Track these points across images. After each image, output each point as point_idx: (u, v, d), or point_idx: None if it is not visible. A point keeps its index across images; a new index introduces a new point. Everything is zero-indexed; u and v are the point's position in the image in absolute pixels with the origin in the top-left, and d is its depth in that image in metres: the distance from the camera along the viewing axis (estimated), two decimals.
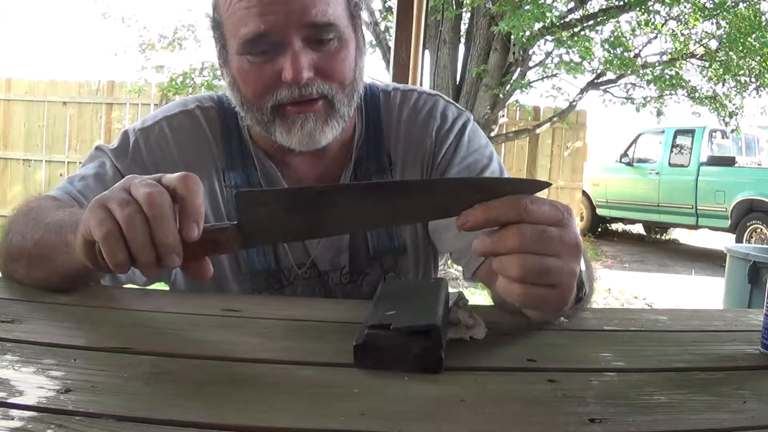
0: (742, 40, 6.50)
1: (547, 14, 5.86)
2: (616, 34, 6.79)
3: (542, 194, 0.63)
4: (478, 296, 4.38)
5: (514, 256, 0.59)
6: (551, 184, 0.65)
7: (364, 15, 0.99)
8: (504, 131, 7.71)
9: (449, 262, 4.28)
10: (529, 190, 0.61)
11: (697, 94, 7.45)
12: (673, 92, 7.46)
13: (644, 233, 10.36)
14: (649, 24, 6.88)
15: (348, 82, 0.93)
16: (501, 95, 6.59)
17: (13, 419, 0.44)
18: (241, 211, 0.64)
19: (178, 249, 0.62)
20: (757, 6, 6.71)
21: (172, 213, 0.62)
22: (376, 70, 10.00)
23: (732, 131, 7.94)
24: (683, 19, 7.06)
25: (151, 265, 0.62)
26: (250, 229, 0.64)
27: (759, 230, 7.50)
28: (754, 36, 6.49)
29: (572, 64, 6.45)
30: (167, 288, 1.04)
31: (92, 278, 0.85)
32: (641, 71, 7.11)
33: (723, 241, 6.70)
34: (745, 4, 6.72)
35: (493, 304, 0.90)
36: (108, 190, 0.66)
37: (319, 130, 0.91)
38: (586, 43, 6.40)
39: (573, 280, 0.62)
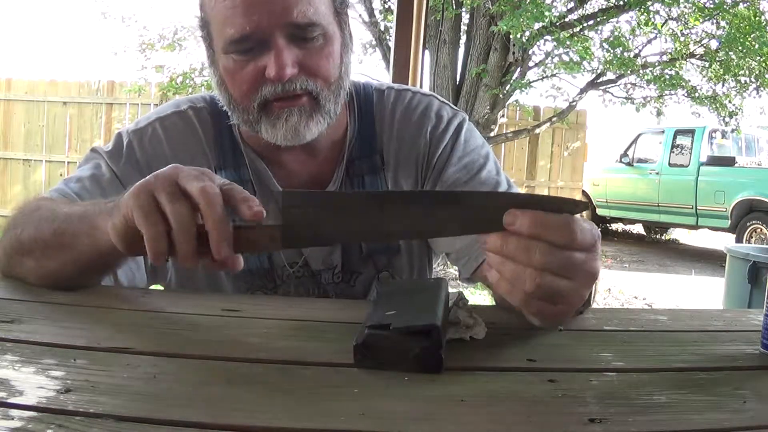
0: (741, 40, 6.50)
1: (546, 14, 5.87)
2: (615, 34, 6.79)
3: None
4: (478, 296, 4.38)
5: (530, 270, 0.57)
6: (582, 203, 0.64)
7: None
8: (504, 131, 7.72)
9: (448, 262, 4.27)
10: (565, 207, 0.59)
11: (697, 94, 7.45)
12: (673, 92, 7.46)
13: (644, 233, 10.36)
14: (649, 24, 6.88)
15: (333, 78, 0.93)
16: (501, 95, 6.59)
17: (13, 419, 0.44)
18: (285, 211, 0.63)
19: (229, 237, 0.64)
20: (757, 6, 6.71)
21: (222, 204, 0.65)
22: (376, 70, 10.00)
23: (732, 131, 7.94)
24: (683, 19, 7.06)
25: (191, 256, 0.64)
26: (294, 229, 0.63)
27: (759, 230, 7.50)
28: (753, 36, 6.48)
29: (571, 63, 6.46)
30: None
31: (108, 270, 0.86)
32: (641, 71, 7.12)
33: (723, 241, 6.71)
34: (745, 5, 6.72)
35: (493, 304, 0.90)
36: (151, 175, 0.67)
37: (303, 125, 0.91)
38: (585, 43, 6.40)
39: (579, 302, 0.62)
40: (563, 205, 0.59)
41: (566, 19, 6.69)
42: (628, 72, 6.99)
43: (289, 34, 0.88)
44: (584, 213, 0.68)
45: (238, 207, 0.65)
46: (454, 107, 1.09)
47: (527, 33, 6.17)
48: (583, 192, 9.24)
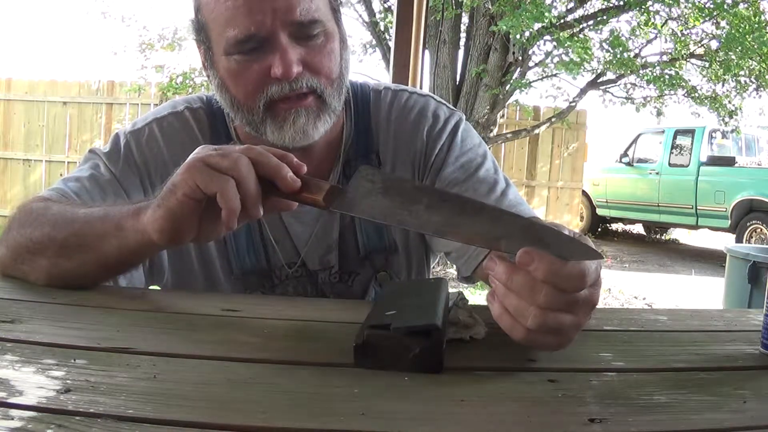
0: (741, 41, 6.49)
1: (546, 14, 5.86)
2: (615, 34, 6.79)
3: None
4: (478, 296, 4.38)
5: (535, 309, 0.57)
6: (604, 259, 0.63)
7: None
8: (504, 131, 7.72)
9: (449, 262, 4.28)
10: (582, 255, 0.58)
11: (696, 94, 7.45)
12: (673, 92, 7.46)
13: (644, 233, 10.36)
14: (649, 24, 6.88)
15: (335, 75, 0.93)
16: (501, 95, 6.59)
17: (13, 419, 0.44)
18: (355, 180, 0.69)
19: (286, 168, 0.71)
20: (758, 6, 6.70)
21: None
22: (376, 70, 10.00)
23: (732, 131, 7.94)
24: (683, 19, 7.06)
25: (258, 200, 0.71)
26: (350, 195, 0.69)
27: (759, 230, 7.50)
28: (753, 36, 6.48)
29: (571, 63, 6.46)
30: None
31: (131, 269, 0.89)
32: (641, 71, 7.12)
33: (723, 241, 6.71)
34: (745, 5, 6.72)
35: None
36: (190, 159, 0.72)
37: (311, 125, 0.91)
38: (585, 44, 6.40)
39: (577, 332, 0.61)
40: (587, 255, 0.58)
41: (566, 19, 6.69)
42: (628, 72, 6.99)
43: (292, 33, 0.88)
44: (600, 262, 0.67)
45: (274, 180, 0.71)
46: (451, 107, 1.09)
47: (527, 33, 6.17)
48: (583, 192, 9.24)
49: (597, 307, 0.62)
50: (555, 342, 0.60)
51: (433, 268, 1.16)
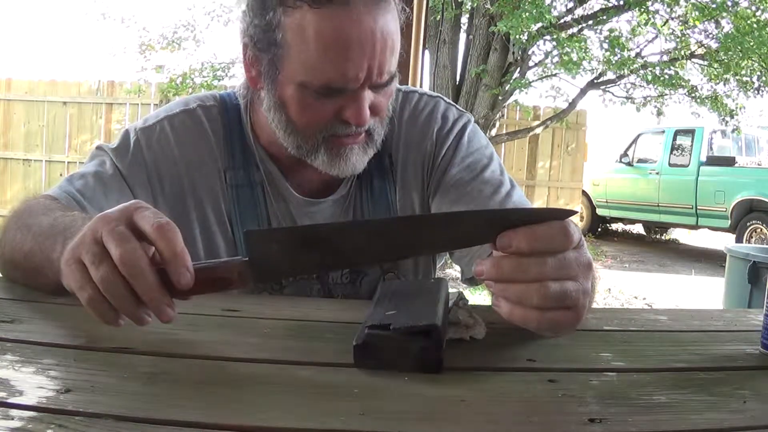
0: (739, 41, 6.49)
1: (546, 15, 5.87)
2: (614, 34, 6.79)
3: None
4: (478, 296, 4.38)
5: (534, 285, 0.57)
6: (576, 212, 0.64)
7: None
8: (504, 131, 7.72)
9: (449, 261, 4.29)
10: (552, 215, 0.59)
11: (696, 94, 7.45)
12: (673, 92, 7.46)
13: (644, 233, 10.36)
14: (649, 23, 6.88)
15: (388, 113, 0.96)
16: (500, 95, 6.60)
17: (13, 419, 0.44)
18: (251, 249, 0.62)
19: (166, 300, 0.59)
20: (759, 6, 6.70)
21: (149, 266, 0.58)
22: None
23: (732, 131, 7.94)
24: (683, 19, 7.05)
25: (141, 318, 0.60)
26: (262, 264, 0.62)
27: (759, 230, 7.50)
28: (753, 36, 6.47)
29: (570, 63, 6.46)
30: None
31: None
32: (641, 71, 7.11)
33: (723, 241, 6.71)
34: (747, 3, 6.71)
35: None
36: (80, 234, 0.62)
37: (360, 160, 0.94)
38: (583, 43, 6.41)
39: (587, 299, 0.61)
40: (555, 215, 0.59)
41: (565, 19, 6.69)
42: (628, 72, 6.99)
43: (372, 84, 0.89)
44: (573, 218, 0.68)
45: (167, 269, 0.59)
46: (461, 109, 1.10)
47: (526, 33, 6.17)
48: (583, 192, 9.24)
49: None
50: (572, 316, 0.60)
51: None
